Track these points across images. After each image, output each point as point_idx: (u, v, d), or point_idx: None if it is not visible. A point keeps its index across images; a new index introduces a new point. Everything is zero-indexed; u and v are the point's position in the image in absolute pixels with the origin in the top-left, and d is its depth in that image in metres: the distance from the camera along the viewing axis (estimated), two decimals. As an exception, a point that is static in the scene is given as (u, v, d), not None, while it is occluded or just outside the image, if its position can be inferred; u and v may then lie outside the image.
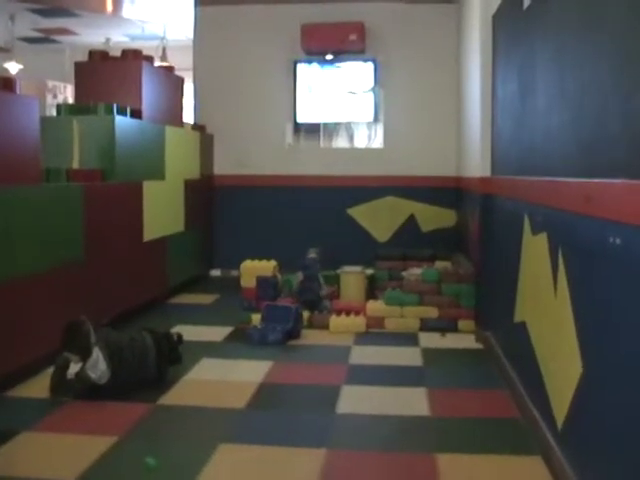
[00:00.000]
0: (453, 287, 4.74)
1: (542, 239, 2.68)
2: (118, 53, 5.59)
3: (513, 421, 3.04)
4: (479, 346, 4.32)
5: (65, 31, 10.96)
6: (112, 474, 2.54)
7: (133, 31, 10.78)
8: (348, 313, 4.82)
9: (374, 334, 4.64)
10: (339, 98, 6.91)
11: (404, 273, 4.98)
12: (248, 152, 6.86)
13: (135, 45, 9.75)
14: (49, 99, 11.13)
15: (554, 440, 2.49)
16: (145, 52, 5.64)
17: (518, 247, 3.15)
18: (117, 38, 11.17)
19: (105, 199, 4.46)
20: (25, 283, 3.48)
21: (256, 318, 4.68)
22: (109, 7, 9.53)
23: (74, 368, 3.33)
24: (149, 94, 5.41)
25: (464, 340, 4.47)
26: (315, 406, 3.27)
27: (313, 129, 7.13)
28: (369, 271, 5.39)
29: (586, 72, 2.17)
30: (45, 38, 11.48)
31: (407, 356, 4.10)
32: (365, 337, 4.56)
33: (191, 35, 7.16)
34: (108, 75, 5.34)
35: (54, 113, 5.09)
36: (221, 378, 3.70)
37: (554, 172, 2.54)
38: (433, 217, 6.65)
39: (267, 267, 5.23)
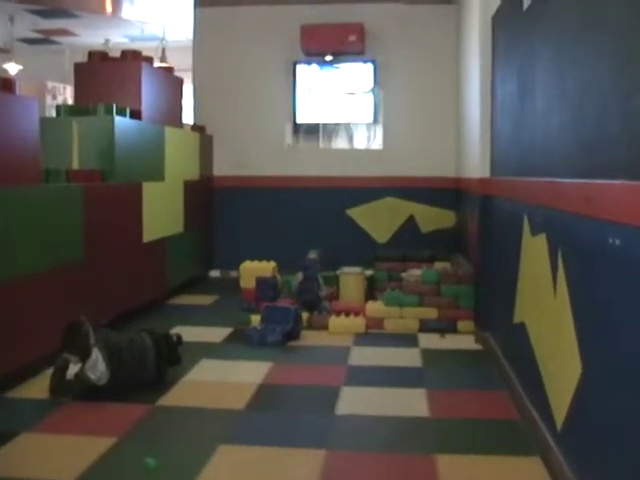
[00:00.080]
0: (452, 288, 4.74)
1: (541, 240, 2.68)
2: (118, 54, 5.60)
3: (512, 422, 3.03)
4: (478, 347, 4.32)
5: (65, 32, 10.97)
6: (111, 475, 2.54)
7: (132, 32, 10.79)
8: (347, 314, 4.82)
9: (373, 335, 4.64)
10: (338, 99, 6.91)
11: (403, 274, 4.98)
12: (248, 153, 6.86)
13: (134, 46, 9.74)
14: (49, 100, 11.13)
15: (553, 441, 2.49)
16: (144, 53, 5.64)
17: (517, 248, 3.15)
18: (116, 39, 11.18)
19: (105, 200, 4.46)
20: (25, 283, 3.48)
21: (255, 319, 4.68)
22: (108, 8, 9.54)
23: (73, 369, 3.33)
24: (148, 95, 5.41)
25: (463, 341, 4.47)
26: (314, 407, 3.27)
27: (312, 130, 7.13)
28: (368, 272, 5.38)
29: (586, 72, 2.17)
30: (45, 39, 11.49)
31: (406, 357, 4.10)
32: (364, 338, 4.56)
33: (190, 36, 7.16)
34: (107, 76, 5.34)
35: (54, 114, 5.08)
36: (220, 379, 3.70)
37: (554, 173, 2.54)
38: (432, 218, 6.65)
39: (266, 268, 5.23)
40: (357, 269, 5.27)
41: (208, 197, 6.79)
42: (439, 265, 5.28)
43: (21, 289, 3.45)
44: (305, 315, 4.75)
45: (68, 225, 4.00)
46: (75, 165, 4.63)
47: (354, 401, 3.33)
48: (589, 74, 2.14)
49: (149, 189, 5.18)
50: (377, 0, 6.68)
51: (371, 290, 5.29)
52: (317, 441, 2.82)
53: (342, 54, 6.76)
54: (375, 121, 6.93)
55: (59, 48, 11.80)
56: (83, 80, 5.41)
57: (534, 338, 2.86)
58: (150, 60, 5.64)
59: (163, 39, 10.44)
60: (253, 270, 5.21)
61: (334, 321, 4.71)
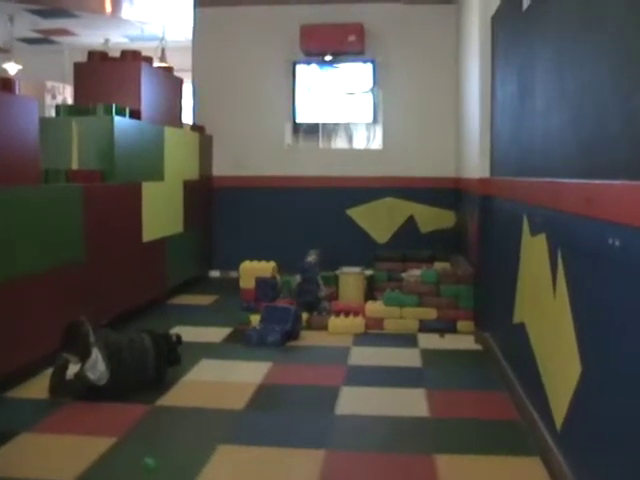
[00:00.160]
0: (452, 288, 4.74)
1: (541, 240, 2.68)
2: (117, 54, 5.59)
3: (512, 422, 3.03)
4: (478, 347, 4.32)
5: (64, 32, 10.96)
6: (111, 475, 2.54)
7: (132, 32, 10.78)
8: (347, 314, 4.82)
9: (373, 335, 4.64)
10: (338, 99, 6.91)
11: (403, 274, 4.98)
12: (247, 153, 6.87)
13: (134, 46, 9.74)
14: (48, 100, 11.11)
15: (553, 441, 2.49)
16: (144, 53, 5.64)
17: (517, 248, 3.15)
18: (116, 39, 11.17)
19: (104, 200, 4.45)
20: (25, 284, 3.48)
21: (255, 319, 4.69)
22: (108, 8, 9.53)
23: (73, 369, 3.32)
24: (148, 95, 5.41)
25: (463, 341, 4.47)
26: (314, 407, 3.26)
27: (312, 130, 7.13)
28: (368, 272, 5.38)
29: (586, 72, 2.17)
30: (44, 39, 11.48)
31: (406, 357, 4.10)
32: (364, 338, 4.56)
33: (190, 36, 7.15)
34: (107, 76, 5.34)
35: (53, 114, 5.09)
36: (220, 379, 3.70)
37: (554, 173, 2.54)
38: (432, 218, 6.65)
39: (266, 268, 5.23)
40: (357, 269, 5.27)
41: (208, 197, 6.79)
42: (439, 265, 5.28)
43: (21, 289, 3.44)
44: (305, 315, 4.75)
45: (67, 225, 4.00)
46: (75, 165, 4.63)
47: (354, 401, 3.33)
48: (589, 74, 2.14)
49: (149, 189, 5.18)
50: (377, 0, 6.68)
51: (371, 290, 5.28)
52: (316, 441, 2.82)
53: (342, 54, 6.76)
54: (375, 121, 6.93)
55: (59, 48, 11.79)
56: (83, 80, 5.41)
57: (534, 338, 2.86)
58: (150, 60, 5.64)
59: (163, 39, 10.43)
60: (253, 270, 5.22)
61: (334, 321, 4.70)
